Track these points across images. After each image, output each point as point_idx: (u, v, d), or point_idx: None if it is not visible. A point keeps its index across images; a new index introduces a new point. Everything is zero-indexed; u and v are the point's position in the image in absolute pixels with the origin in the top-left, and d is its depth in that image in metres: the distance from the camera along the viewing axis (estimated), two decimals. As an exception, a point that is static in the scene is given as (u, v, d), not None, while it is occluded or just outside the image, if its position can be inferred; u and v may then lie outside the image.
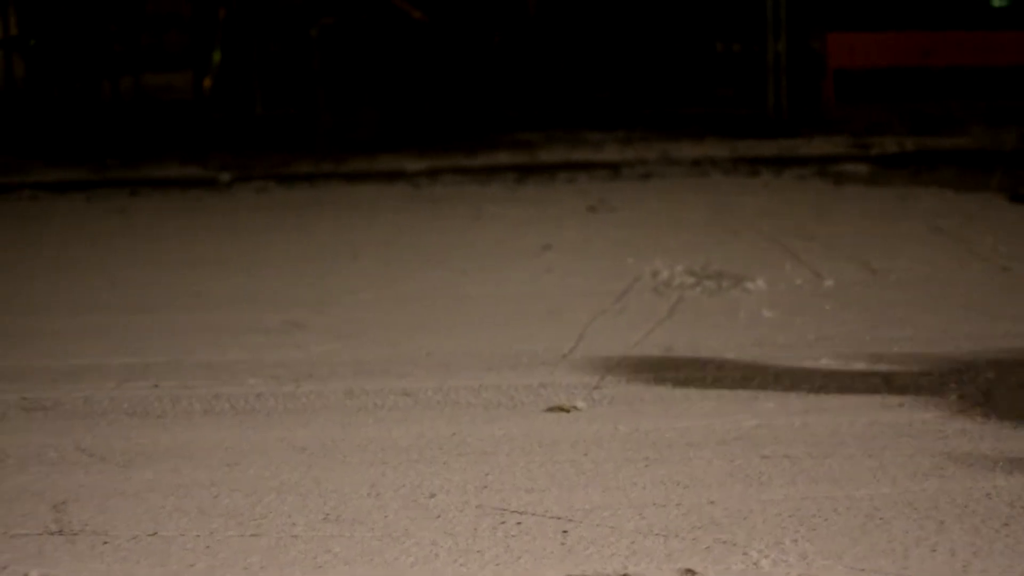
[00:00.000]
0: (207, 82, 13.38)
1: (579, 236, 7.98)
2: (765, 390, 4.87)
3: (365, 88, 12.15)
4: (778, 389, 4.88)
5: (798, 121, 11.88)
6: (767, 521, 3.67)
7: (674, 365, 5.22)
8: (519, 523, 3.70)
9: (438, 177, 10.19)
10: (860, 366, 5.16)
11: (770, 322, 5.88)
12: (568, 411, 4.68)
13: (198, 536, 3.71)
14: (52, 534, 3.78)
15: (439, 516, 3.79)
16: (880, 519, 3.68)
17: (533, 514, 3.76)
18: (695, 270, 6.83)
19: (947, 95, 12.09)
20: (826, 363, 5.20)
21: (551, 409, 4.72)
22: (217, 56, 13.36)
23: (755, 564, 3.43)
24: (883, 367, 5.13)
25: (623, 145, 11.15)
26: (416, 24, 12.66)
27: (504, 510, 3.80)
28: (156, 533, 3.74)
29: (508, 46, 13.11)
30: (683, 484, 3.97)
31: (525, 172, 10.31)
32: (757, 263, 6.98)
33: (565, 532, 3.64)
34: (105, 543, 3.70)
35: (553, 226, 8.30)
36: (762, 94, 12.27)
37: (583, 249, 7.61)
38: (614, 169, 10.32)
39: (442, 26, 12.75)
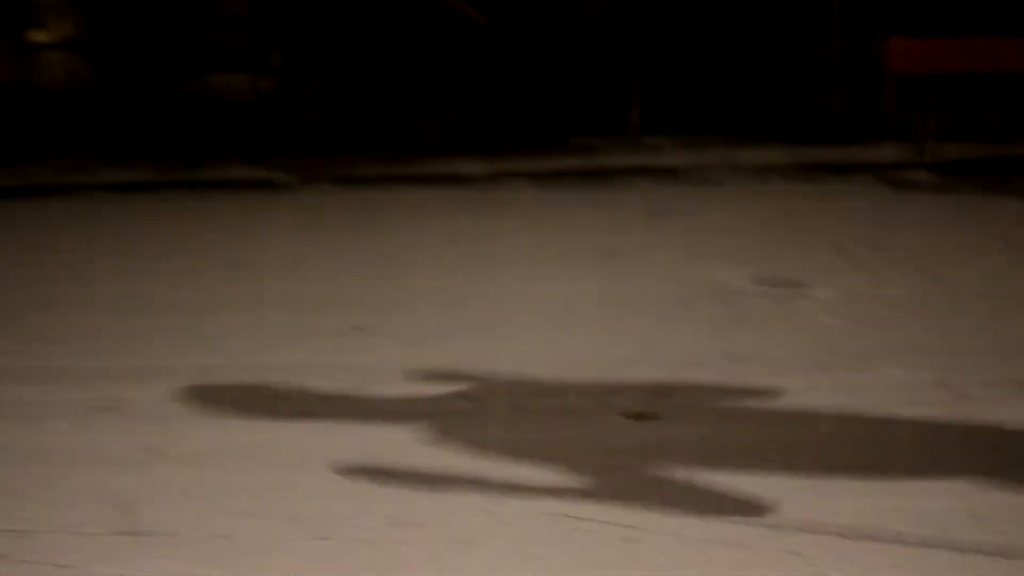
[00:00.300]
0: (269, 84, 13.44)
1: (641, 241, 7.98)
2: (829, 399, 4.86)
3: (429, 91, 12.18)
4: (842, 398, 4.86)
5: (860, 127, 11.83)
6: (835, 532, 3.67)
7: (739, 373, 5.22)
8: (588, 531, 3.71)
9: (502, 181, 10.21)
10: (925, 375, 5.14)
11: (834, 330, 5.87)
12: (634, 418, 4.69)
13: (267, 539, 3.74)
14: (121, 534, 3.81)
15: (507, 523, 3.80)
16: (945, 530, 3.67)
17: (602, 521, 3.76)
18: (758, 277, 6.82)
19: (1013, 102, 12.00)
20: (891, 372, 5.18)
21: (617, 415, 4.72)
22: (279, 57, 13.42)
23: None
24: (948, 376, 5.11)
25: (685, 150, 11.13)
26: (478, 27, 12.69)
27: (572, 517, 3.80)
28: (226, 536, 3.77)
29: (569, 49, 13.11)
30: (749, 493, 3.96)
31: (588, 177, 10.32)
32: (820, 271, 6.96)
33: (634, 540, 3.64)
34: (174, 544, 3.73)
35: (616, 231, 8.31)
36: (824, 100, 12.23)
37: (646, 255, 7.61)
38: (676, 174, 10.32)
39: (504, 29, 12.77)
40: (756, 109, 12.51)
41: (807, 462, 4.22)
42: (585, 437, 4.51)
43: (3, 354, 5.94)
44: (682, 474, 4.13)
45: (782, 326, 5.98)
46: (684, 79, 12.82)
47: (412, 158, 11.18)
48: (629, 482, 4.08)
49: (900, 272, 6.95)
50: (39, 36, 14.87)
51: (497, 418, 4.75)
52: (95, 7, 14.50)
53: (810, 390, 4.97)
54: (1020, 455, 4.26)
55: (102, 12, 14.48)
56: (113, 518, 3.92)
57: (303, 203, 10.01)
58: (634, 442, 4.44)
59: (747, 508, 3.84)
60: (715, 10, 13.12)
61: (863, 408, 4.76)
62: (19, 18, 14.83)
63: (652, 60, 12.79)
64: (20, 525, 3.90)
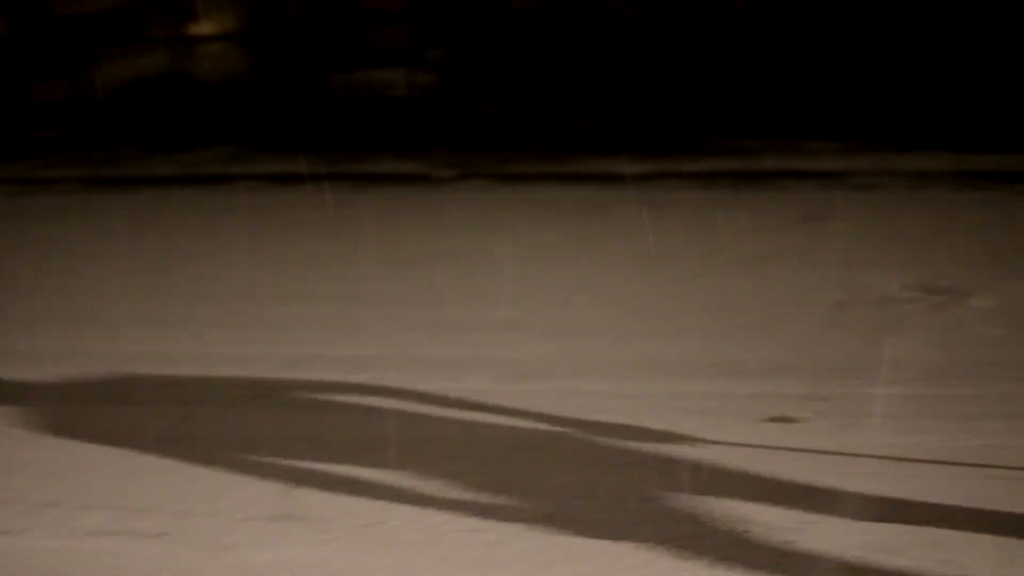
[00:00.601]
0: (426, 79, 13.53)
1: (796, 245, 7.89)
2: (990, 410, 4.78)
3: (583, 88, 12.18)
4: (1005, 410, 4.77)
5: None
6: (995, 543, 3.60)
7: (896, 380, 5.14)
8: (743, 531, 3.68)
9: (656, 181, 10.16)
10: (1091, 388, 5.03)
11: (995, 341, 5.76)
12: (789, 421, 4.65)
13: (423, 528, 3.76)
14: (280, 518, 3.86)
15: (656, 521, 3.78)
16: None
17: (754, 522, 3.73)
18: (916, 284, 6.72)
19: None
20: (1055, 385, 5.08)
21: (772, 419, 4.68)
22: (436, 53, 13.51)
23: (983, 586, 3.38)
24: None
25: (842, 154, 11.00)
26: (633, 25, 12.65)
27: (724, 518, 3.78)
28: (382, 522, 3.80)
29: (726, 48, 13.03)
30: (906, 501, 3.90)
31: (742, 179, 10.24)
32: (980, 280, 6.84)
33: (789, 542, 3.61)
34: (331, 530, 3.77)
35: (770, 234, 8.22)
36: (984, 106, 12.00)
37: (800, 259, 7.52)
38: (833, 178, 10.19)
39: (659, 27, 12.73)
40: (918, 114, 12.32)
41: (967, 472, 4.14)
42: (738, 439, 4.47)
43: (167, 340, 6.05)
44: (837, 480, 4.07)
45: (940, 334, 5.89)
46: (842, 81, 12.67)
47: (568, 156, 11.17)
48: (783, 486, 4.03)
49: (1064, 283, 6.81)
50: (200, 29, 15.13)
51: (648, 417, 4.72)
52: (255, 1, 14.70)
53: (970, 400, 4.88)
54: None
55: (262, 6, 14.68)
56: (270, 503, 3.97)
57: (460, 198, 10.04)
58: (788, 446, 4.39)
59: (904, 516, 3.78)
60: (880, 11, 12.94)
61: (1026, 420, 4.66)
62: (181, 11, 15.09)
63: (811, 61, 12.66)
64: (180, 506, 3.97)
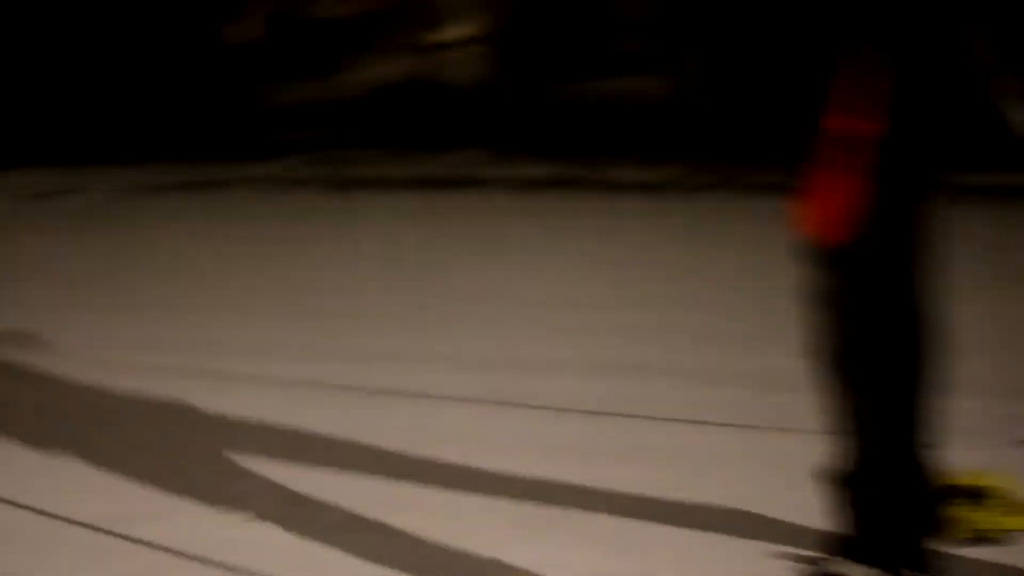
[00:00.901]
0: (679, 86, 13.42)
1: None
2: None
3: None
4: None
5: None
6: None
7: None
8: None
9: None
10: None
11: None
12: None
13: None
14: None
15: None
16: None
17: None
18: None
19: None
20: None
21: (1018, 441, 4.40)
22: (691, 60, 13.39)
23: None
24: None
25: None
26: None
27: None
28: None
29: None
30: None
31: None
32: None
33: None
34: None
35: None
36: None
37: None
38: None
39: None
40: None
41: None
42: (991, 461, 4.18)
43: (402, 337, 6.07)
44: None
45: None
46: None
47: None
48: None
49: None
50: (446, 34, 15.27)
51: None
52: (502, 7, 14.77)
53: None
54: None
55: (508, 12, 14.73)
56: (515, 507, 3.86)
57: (709, 207, 9.91)
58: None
59: None
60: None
61: None
62: (430, 17, 15.25)
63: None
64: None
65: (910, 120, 2.67)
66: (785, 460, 4.02)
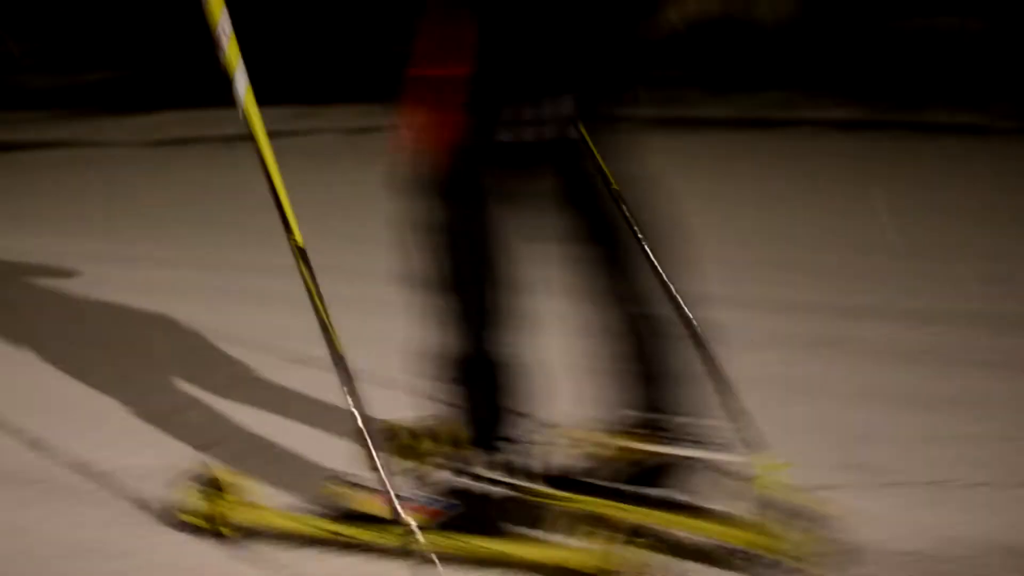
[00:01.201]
0: (979, 26, 13.14)
1: None
2: None
3: None
4: None
5: None
6: None
7: None
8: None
9: None
10: None
11: None
12: None
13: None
14: (846, 467, 3.89)
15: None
16: None
17: None
18: None
19: None
20: None
21: None
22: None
23: None
24: None
25: None
26: None
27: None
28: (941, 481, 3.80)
29: None
30: None
31: None
32: None
33: None
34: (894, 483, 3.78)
35: None
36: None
37: None
38: None
39: None
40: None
41: None
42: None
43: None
44: None
45: None
46: None
47: None
48: None
49: None
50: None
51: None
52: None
53: None
54: None
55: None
56: (835, 454, 4.01)
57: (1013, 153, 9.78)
58: None
59: None
60: None
61: None
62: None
63: None
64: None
65: (493, 61, 3.03)
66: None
